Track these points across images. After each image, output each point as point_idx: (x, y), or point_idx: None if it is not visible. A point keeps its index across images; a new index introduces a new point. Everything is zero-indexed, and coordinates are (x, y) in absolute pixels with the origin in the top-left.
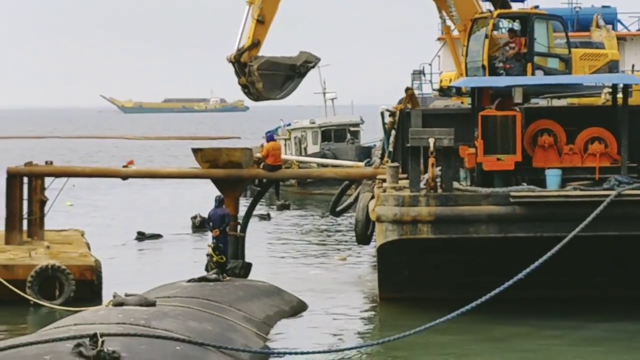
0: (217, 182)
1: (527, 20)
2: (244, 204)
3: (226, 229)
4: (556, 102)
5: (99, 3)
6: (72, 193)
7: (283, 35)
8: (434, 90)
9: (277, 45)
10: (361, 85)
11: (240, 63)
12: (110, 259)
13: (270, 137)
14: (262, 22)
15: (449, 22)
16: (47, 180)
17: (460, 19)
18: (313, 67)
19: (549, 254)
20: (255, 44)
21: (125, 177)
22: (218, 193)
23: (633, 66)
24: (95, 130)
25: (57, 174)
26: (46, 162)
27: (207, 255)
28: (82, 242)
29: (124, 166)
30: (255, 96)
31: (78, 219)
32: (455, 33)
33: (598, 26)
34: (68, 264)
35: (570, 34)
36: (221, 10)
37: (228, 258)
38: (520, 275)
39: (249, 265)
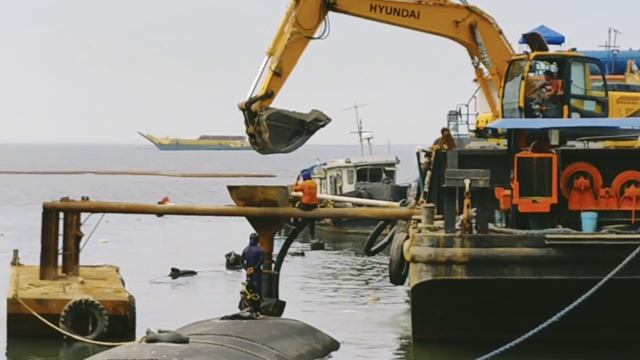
0: (252, 219)
1: (563, 62)
2: (278, 242)
3: (260, 267)
4: (592, 145)
5: (137, 41)
6: (107, 229)
7: (319, 75)
8: (470, 131)
9: (314, 86)
10: (397, 124)
11: (250, 111)
12: (144, 294)
13: (306, 175)
14: (279, 74)
15: (481, 65)
16: (83, 216)
17: (493, 63)
18: (323, 126)
19: (583, 296)
20: (269, 95)
21: (160, 213)
22: (253, 231)
23: None
24: (132, 167)
25: (93, 210)
26: (82, 198)
27: (241, 292)
28: (117, 278)
29: (159, 203)
30: (261, 146)
31: (113, 254)
32: (488, 75)
33: (632, 71)
34: (102, 299)
35: (607, 76)
36: (260, 50)
37: (262, 296)
38: (555, 318)
39: (283, 303)
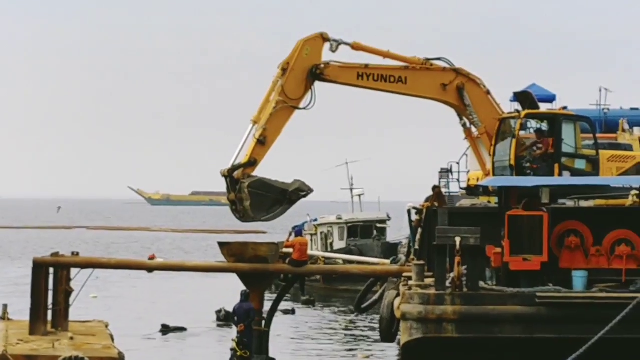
0: (243, 276)
1: (554, 120)
2: (269, 298)
3: (251, 323)
4: (583, 203)
5: (129, 95)
6: (97, 284)
7: (312, 127)
8: (461, 188)
9: (306, 142)
10: (388, 181)
11: (232, 178)
12: (134, 351)
13: (298, 232)
14: (263, 143)
15: (469, 125)
16: (73, 271)
17: (481, 123)
18: (304, 196)
19: (574, 356)
20: (252, 163)
21: (151, 269)
22: (243, 287)
23: None
24: (121, 222)
25: (83, 265)
26: (72, 253)
27: (231, 349)
28: (106, 334)
29: (149, 259)
30: (242, 214)
31: (103, 310)
32: (477, 133)
33: (624, 130)
34: (91, 355)
35: (598, 135)
36: (248, 108)
37: (252, 353)
38: None
39: None
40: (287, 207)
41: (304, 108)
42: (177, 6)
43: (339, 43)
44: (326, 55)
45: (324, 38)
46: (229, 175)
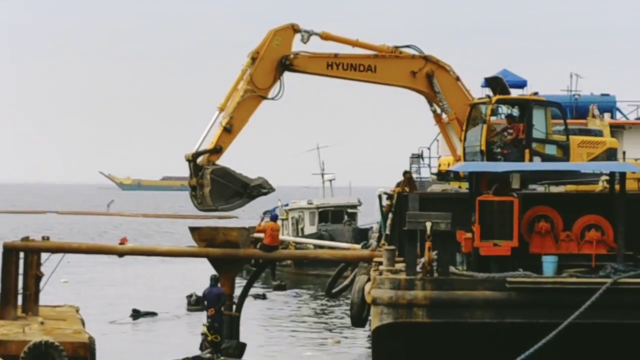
0: (214, 261)
1: (525, 106)
2: (239, 283)
3: (221, 308)
4: (554, 189)
5: (101, 82)
6: (67, 269)
7: (284, 114)
8: (432, 174)
9: (280, 125)
10: (359, 166)
11: (196, 164)
12: (105, 335)
13: (274, 216)
14: (229, 130)
15: (439, 111)
16: (43, 256)
17: (451, 109)
18: (265, 194)
19: (544, 340)
20: (217, 150)
21: (122, 254)
22: (214, 272)
23: (624, 153)
24: (92, 207)
25: (54, 250)
26: (43, 238)
27: (202, 334)
28: (77, 319)
29: (120, 243)
30: (200, 200)
31: (73, 295)
32: (446, 118)
33: (594, 116)
34: (61, 340)
35: (569, 121)
36: (219, 91)
37: (223, 338)
38: None
39: (244, 345)
40: (246, 200)
41: (272, 98)
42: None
43: (310, 34)
44: (297, 46)
45: (295, 29)
46: (193, 159)
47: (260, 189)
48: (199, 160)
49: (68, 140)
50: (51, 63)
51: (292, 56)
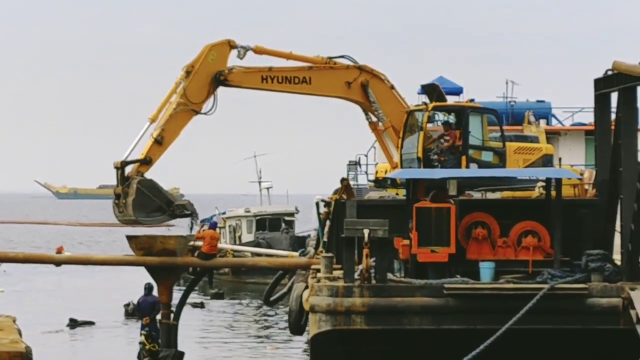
0: (151, 269)
1: (462, 113)
2: (177, 292)
3: (156, 316)
4: (490, 195)
5: (36, 87)
6: (3, 278)
7: (221, 122)
8: (369, 181)
9: (217, 132)
10: (297, 174)
11: (123, 172)
12: (42, 345)
13: (213, 224)
14: (160, 142)
15: (374, 118)
16: None
17: (387, 117)
18: (186, 216)
19: (482, 346)
20: (147, 162)
21: (58, 263)
22: (152, 280)
23: (560, 159)
24: (28, 216)
25: None
26: None
27: (140, 343)
28: (13, 329)
29: (56, 252)
30: (122, 209)
31: (9, 304)
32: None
33: (529, 122)
34: None
35: (505, 127)
36: (157, 97)
37: (160, 346)
38: None
39: (182, 354)
40: (167, 217)
41: (205, 113)
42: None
43: (247, 49)
44: (233, 61)
45: (231, 45)
46: (121, 167)
47: (184, 209)
48: (128, 171)
49: (1, 147)
50: None
51: (226, 71)
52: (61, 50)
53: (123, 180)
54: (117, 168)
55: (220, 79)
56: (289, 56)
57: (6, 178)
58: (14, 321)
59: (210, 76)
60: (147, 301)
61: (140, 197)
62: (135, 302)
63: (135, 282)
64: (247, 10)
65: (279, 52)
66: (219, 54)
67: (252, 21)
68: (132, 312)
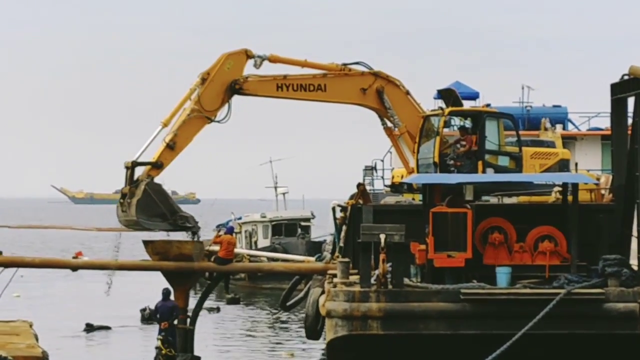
0: (167, 274)
1: (478, 118)
2: (193, 296)
3: (174, 321)
4: (507, 200)
5: (51, 93)
6: (20, 284)
7: (237, 128)
8: (385, 186)
9: (234, 138)
10: (313, 179)
11: (133, 172)
12: (58, 350)
13: (229, 229)
14: (172, 148)
15: (390, 124)
16: None
17: (402, 123)
18: (187, 229)
19: (498, 351)
20: (158, 166)
21: (75, 268)
22: (168, 285)
23: (577, 164)
24: (45, 221)
25: (6, 264)
26: None
27: (156, 347)
28: (30, 333)
29: (73, 257)
30: (125, 208)
31: (26, 309)
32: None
33: (545, 128)
34: (15, 355)
35: (521, 132)
36: (174, 103)
37: (177, 351)
38: None
39: (198, 358)
40: (167, 226)
41: (219, 121)
42: (98, 4)
43: (263, 59)
44: (249, 71)
45: (248, 55)
46: (132, 167)
47: (186, 221)
48: (139, 173)
49: (18, 154)
50: (4, 69)
51: (242, 80)
52: (80, 55)
53: (132, 180)
54: (127, 168)
55: (235, 88)
56: (303, 64)
57: (23, 183)
58: (31, 326)
59: (225, 85)
60: (166, 306)
61: (146, 199)
62: (152, 306)
63: (152, 287)
64: (255, 15)
65: (294, 60)
66: (235, 63)
67: (262, 26)
68: (149, 317)
